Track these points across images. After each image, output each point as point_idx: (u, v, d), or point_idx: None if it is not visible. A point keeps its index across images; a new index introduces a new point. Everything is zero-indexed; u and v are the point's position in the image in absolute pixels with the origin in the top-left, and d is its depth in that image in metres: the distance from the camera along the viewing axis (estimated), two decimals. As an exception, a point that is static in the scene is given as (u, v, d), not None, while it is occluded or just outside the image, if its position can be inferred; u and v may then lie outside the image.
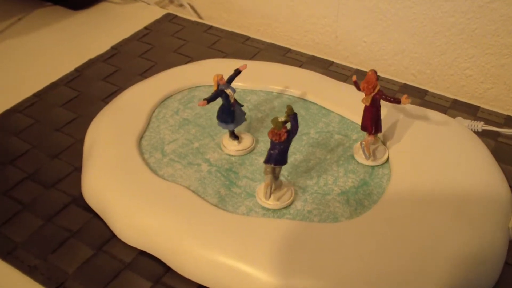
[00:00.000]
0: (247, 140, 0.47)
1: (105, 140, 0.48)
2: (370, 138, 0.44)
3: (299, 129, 0.49)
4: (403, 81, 0.60)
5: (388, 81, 0.60)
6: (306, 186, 0.43)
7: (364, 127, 0.44)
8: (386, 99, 0.42)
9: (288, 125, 0.39)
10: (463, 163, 0.43)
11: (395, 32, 0.64)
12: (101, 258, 0.42)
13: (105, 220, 0.44)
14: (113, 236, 0.43)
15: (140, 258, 0.42)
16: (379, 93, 0.42)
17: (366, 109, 0.44)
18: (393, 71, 0.67)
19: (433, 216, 0.39)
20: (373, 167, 0.45)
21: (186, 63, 0.64)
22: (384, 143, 0.47)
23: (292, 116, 0.39)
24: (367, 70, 0.62)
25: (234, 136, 0.47)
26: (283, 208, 0.41)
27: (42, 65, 0.65)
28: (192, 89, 0.55)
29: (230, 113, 0.45)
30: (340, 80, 0.60)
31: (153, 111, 0.52)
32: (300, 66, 0.62)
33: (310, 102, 0.52)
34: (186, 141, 0.48)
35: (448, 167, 0.43)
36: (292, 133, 0.39)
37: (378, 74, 0.61)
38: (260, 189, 0.42)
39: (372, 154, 0.45)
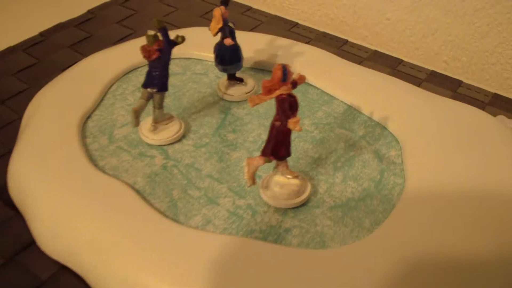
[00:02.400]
0: (250, 82, 0.43)
1: (43, 118, 0.39)
2: (258, 160, 0.32)
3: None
4: (431, 68, 0.50)
5: (413, 67, 0.50)
6: (289, 194, 0.33)
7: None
8: (280, 110, 0.30)
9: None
10: (505, 174, 0.33)
11: (426, 8, 0.54)
12: (11, 270, 0.32)
13: (26, 221, 0.34)
14: (32, 242, 0.33)
15: (60, 275, 0.32)
16: (283, 101, 0.29)
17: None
18: (420, 56, 0.57)
19: (462, 248, 0.28)
20: (382, 172, 0.34)
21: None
22: (398, 140, 0.36)
23: (162, 31, 0.36)
24: (387, 53, 0.52)
25: (238, 78, 0.42)
26: (164, 145, 0.37)
27: (2, 27, 0.56)
28: (164, 61, 0.45)
29: (236, 50, 0.40)
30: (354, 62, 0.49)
31: (111, 85, 0.42)
32: (307, 43, 0.52)
33: (310, 85, 0.43)
34: (144, 125, 0.38)
35: (485, 177, 0.33)
36: (164, 52, 0.36)
37: (402, 58, 0.51)
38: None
39: (264, 184, 0.33)
